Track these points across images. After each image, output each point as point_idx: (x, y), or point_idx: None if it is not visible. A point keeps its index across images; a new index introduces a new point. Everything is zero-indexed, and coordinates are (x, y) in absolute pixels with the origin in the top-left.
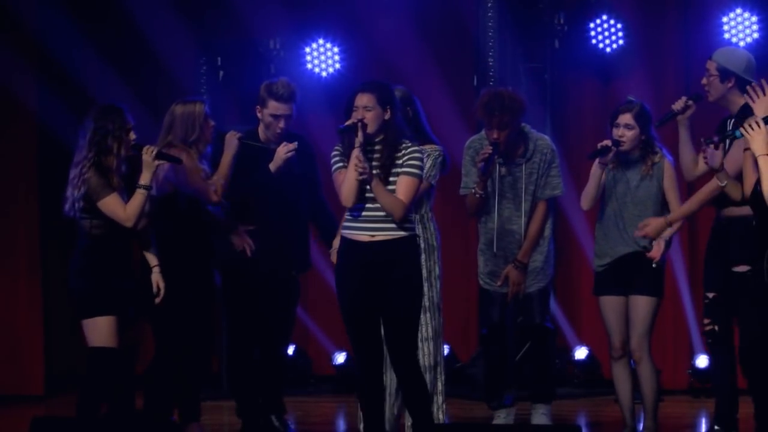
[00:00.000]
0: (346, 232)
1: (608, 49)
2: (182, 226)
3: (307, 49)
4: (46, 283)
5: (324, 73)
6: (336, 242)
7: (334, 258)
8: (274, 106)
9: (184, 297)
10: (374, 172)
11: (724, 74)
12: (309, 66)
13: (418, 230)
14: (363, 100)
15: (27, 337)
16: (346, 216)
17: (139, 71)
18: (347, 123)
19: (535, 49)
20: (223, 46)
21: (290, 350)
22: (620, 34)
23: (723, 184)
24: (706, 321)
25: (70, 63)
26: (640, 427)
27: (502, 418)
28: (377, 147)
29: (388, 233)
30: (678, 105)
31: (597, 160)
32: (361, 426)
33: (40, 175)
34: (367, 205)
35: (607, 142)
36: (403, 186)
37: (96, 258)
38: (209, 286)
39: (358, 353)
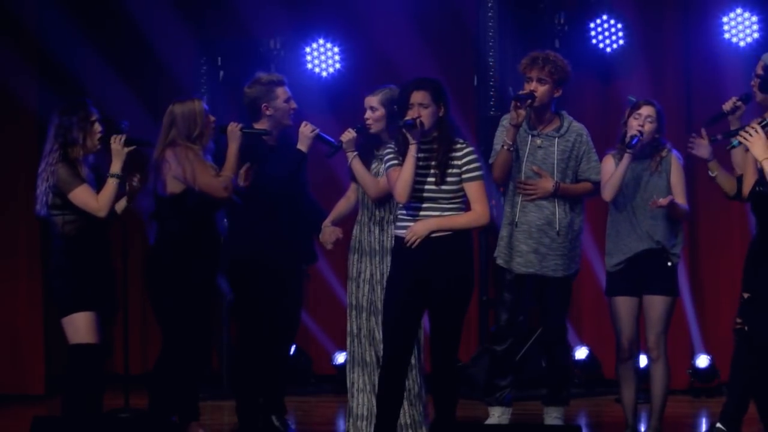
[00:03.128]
0: (401, 232)
1: (608, 49)
2: (190, 225)
3: (308, 49)
4: (46, 283)
5: (324, 73)
6: (328, 221)
7: (326, 235)
8: (283, 91)
9: (190, 297)
10: (432, 171)
11: None
12: (309, 66)
13: (357, 232)
14: (418, 97)
15: (27, 337)
16: (401, 215)
17: (139, 71)
18: (407, 118)
19: (535, 49)
20: (224, 46)
21: (290, 350)
22: (620, 34)
23: (713, 175)
24: (738, 320)
25: (70, 63)
26: (642, 428)
27: (496, 416)
28: (433, 146)
29: (444, 231)
30: (728, 106)
31: (627, 151)
32: (353, 425)
33: None
34: (423, 205)
35: (635, 132)
36: (475, 193)
37: (74, 257)
38: (212, 286)
39: (390, 348)
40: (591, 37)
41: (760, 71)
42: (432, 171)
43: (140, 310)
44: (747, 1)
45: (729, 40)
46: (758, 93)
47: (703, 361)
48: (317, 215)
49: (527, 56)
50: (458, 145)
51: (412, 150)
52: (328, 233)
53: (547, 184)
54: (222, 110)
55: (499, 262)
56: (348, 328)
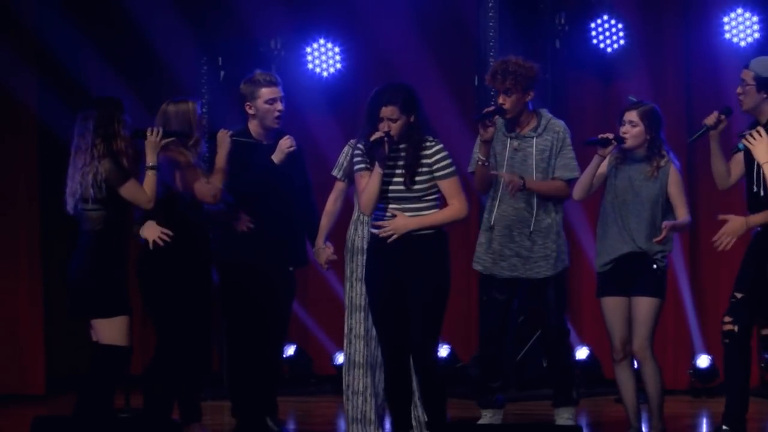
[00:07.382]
0: (375, 231)
1: (609, 49)
2: (182, 228)
3: (308, 49)
4: (46, 283)
5: (325, 73)
6: (319, 241)
7: (319, 257)
8: (267, 92)
9: (184, 297)
10: (401, 180)
11: (761, 84)
12: (309, 66)
13: (352, 232)
14: (387, 112)
15: (28, 337)
16: (374, 214)
17: (140, 71)
18: (374, 137)
19: (535, 49)
20: (224, 46)
21: (290, 350)
22: (621, 34)
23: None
24: (727, 319)
25: (70, 63)
26: (644, 427)
27: (488, 417)
28: (402, 146)
29: (425, 230)
30: (711, 120)
31: (597, 152)
32: (353, 428)
33: (40, 175)
34: (391, 205)
35: (609, 135)
36: (450, 189)
37: (106, 255)
38: (207, 287)
39: (386, 349)
40: (591, 37)
41: (750, 81)
42: (400, 171)
43: (140, 310)
44: (747, 1)
45: (729, 40)
46: (746, 101)
47: (703, 361)
48: (315, 226)
49: (489, 71)
50: (427, 144)
51: (378, 168)
52: (320, 254)
53: (512, 176)
54: (222, 110)
55: (478, 268)
56: (345, 329)
